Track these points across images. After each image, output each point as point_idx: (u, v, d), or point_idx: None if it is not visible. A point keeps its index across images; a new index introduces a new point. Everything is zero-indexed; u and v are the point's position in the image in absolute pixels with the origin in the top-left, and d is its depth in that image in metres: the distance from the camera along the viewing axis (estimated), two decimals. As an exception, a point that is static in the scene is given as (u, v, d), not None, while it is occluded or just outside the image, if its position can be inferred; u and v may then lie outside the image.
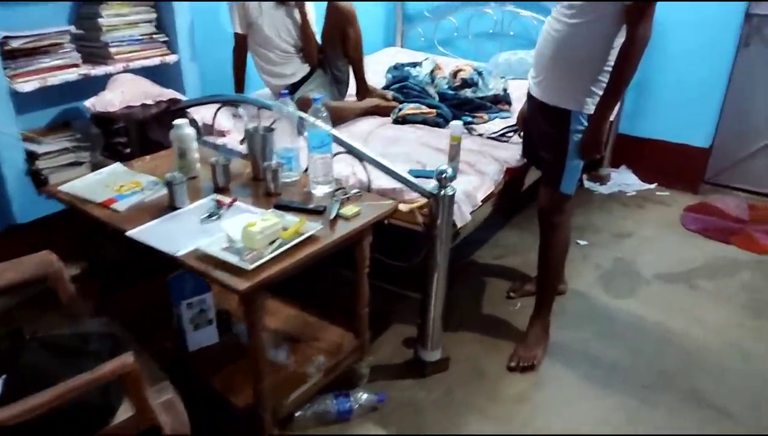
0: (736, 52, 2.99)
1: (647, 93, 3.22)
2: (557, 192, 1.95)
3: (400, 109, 2.59)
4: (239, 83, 2.78)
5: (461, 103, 2.64)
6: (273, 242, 1.42)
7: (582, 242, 2.77)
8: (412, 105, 2.59)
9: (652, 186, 3.35)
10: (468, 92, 2.72)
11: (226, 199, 1.65)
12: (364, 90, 2.66)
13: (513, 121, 2.44)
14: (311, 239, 1.46)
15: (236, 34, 2.63)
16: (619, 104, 2.89)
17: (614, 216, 3.03)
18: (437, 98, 2.71)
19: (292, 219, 1.51)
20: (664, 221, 2.99)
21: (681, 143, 3.23)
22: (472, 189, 1.92)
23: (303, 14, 2.56)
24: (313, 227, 1.48)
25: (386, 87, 2.83)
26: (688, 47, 3.05)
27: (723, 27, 2.94)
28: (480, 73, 2.76)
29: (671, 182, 3.31)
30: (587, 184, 3.35)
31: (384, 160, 1.80)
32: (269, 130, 1.78)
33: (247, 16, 2.54)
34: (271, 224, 1.42)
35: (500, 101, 2.69)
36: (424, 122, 2.52)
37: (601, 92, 1.82)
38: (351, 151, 1.83)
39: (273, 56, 2.64)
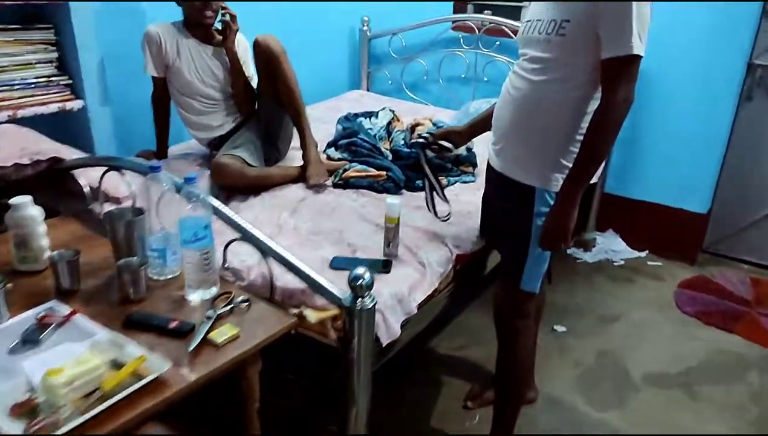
0: (736, 106, 2.62)
1: (637, 149, 2.84)
2: (517, 289, 1.54)
3: (344, 170, 2.18)
4: (161, 134, 2.38)
5: (418, 164, 2.23)
6: (92, 392, 0.99)
7: (560, 329, 2.34)
8: (358, 166, 2.18)
9: (643, 254, 2.94)
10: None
11: (65, 311, 1.22)
12: (305, 146, 2.20)
13: (478, 186, 2.03)
14: (156, 384, 1.03)
15: (153, 78, 2.24)
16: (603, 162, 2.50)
17: (599, 293, 2.61)
18: (390, 157, 2.31)
19: (132, 352, 1.07)
20: (656, 301, 2.56)
21: (675, 207, 2.84)
22: (408, 290, 1.50)
23: (232, 54, 2.16)
24: (158, 366, 1.05)
25: (334, 142, 2.43)
26: (683, 100, 2.68)
27: (722, 78, 2.57)
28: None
29: (664, 250, 2.90)
30: (570, 250, 2.94)
31: (290, 254, 1.37)
32: (137, 213, 1.37)
33: (163, 56, 2.15)
34: (89, 369, 0.99)
35: (463, 162, 2.29)
36: (371, 187, 2.11)
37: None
38: (247, 238, 1.41)
39: (196, 104, 2.24)
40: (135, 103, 2.39)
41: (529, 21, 1.49)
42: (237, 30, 2.14)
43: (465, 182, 2.23)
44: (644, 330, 2.36)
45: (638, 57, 1.31)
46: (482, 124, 1.74)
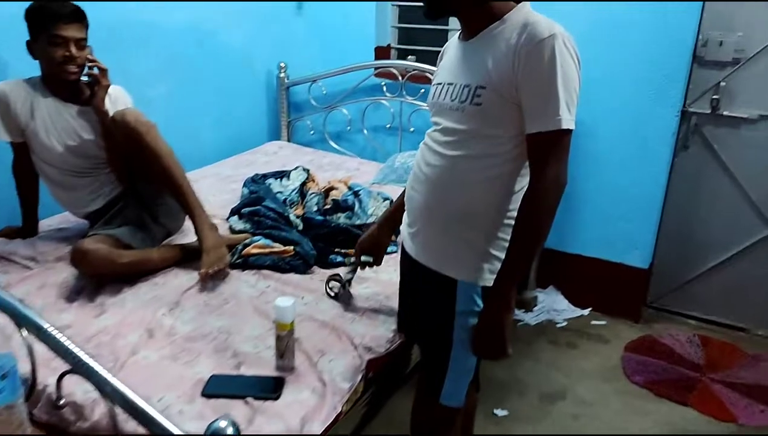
0: (672, 156, 2.49)
1: (574, 204, 2.66)
2: (437, 404, 1.27)
3: (244, 246, 1.87)
4: (28, 207, 2.01)
5: (332, 234, 1.95)
6: None
7: (500, 412, 2.07)
8: (260, 240, 1.87)
9: (586, 312, 2.74)
10: (342, 218, 2.04)
11: None
12: (198, 231, 1.78)
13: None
14: None
15: (12, 143, 1.87)
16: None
17: (542, 364, 2.37)
18: (301, 226, 2.01)
19: None
20: (603, 369, 2.34)
21: (616, 262, 2.66)
22: (300, 422, 1.17)
23: (101, 114, 1.80)
24: None
25: (237, 209, 2.11)
26: (618, 153, 2.52)
27: (656, 128, 2.44)
28: (357, 193, 2.10)
29: (608, 307, 2.71)
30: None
31: (134, 393, 1.03)
32: None
33: (13, 118, 1.79)
34: None
35: (383, 230, 2.01)
36: (275, 267, 1.80)
37: (502, 255, 1.20)
38: (79, 371, 1.07)
39: (62, 174, 1.87)
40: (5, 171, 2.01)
41: (440, 84, 1.25)
42: (108, 86, 1.80)
43: (387, 253, 1.95)
44: (592, 409, 2.11)
45: (568, 131, 1.09)
46: (400, 212, 1.45)
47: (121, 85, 1.96)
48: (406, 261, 1.37)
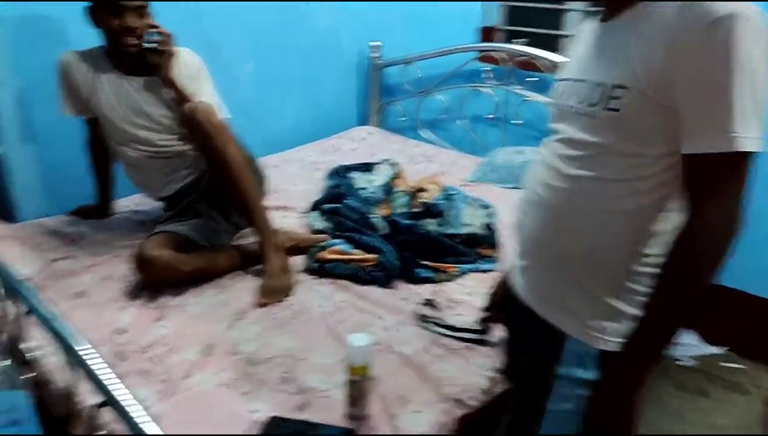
0: None
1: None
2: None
3: (321, 248, 1.64)
4: (102, 186, 1.92)
5: (421, 243, 1.67)
6: None
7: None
8: (339, 245, 1.64)
9: (721, 351, 2.29)
10: (432, 224, 1.75)
11: None
12: (267, 251, 1.54)
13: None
14: None
15: (85, 119, 1.75)
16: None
17: (666, 413, 1.97)
18: (387, 229, 1.75)
19: None
20: (741, 428, 1.91)
21: (762, 297, 2.19)
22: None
23: (170, 85, 1.59)
24: None
25: (318, 204, 1.88)
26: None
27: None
28: (450, 198, 1.79)
29: (749, 349, 2.23)
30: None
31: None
32: None
33: (76, 93, 1.64)
34: None
35: (480, 243, 1.70)
36: (354, 278, 1.56)
37: (633, 312, 0.87)
38: (114, 405, 0.87)
39: (133, 154, 1.70)
40: (71, 145, 1.89)
41: (565, 81, 0.93)
42: (173, 54, 1.59)
43: (483, 271, 1.64)
44: (728, 479, 1.72)
45: (747, 154, 0.74)
46: None
47: (208, 61, 1.77)
48: (513, 297, 1.07)
